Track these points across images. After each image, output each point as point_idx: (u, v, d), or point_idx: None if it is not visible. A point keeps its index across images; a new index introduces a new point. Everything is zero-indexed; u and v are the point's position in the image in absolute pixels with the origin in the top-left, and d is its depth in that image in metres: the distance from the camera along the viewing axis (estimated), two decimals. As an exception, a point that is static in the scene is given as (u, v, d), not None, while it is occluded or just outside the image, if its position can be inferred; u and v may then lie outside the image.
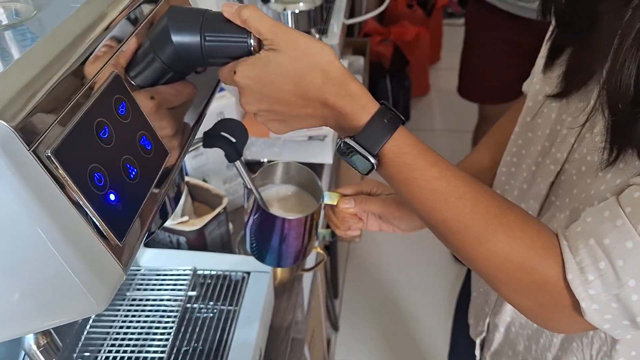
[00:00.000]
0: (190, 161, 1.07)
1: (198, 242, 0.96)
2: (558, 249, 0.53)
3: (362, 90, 0.54)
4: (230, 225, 1.08)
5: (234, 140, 0.71)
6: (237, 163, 0.73)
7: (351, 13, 2.41)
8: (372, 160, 0.54)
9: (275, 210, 0.79)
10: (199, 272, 0.91)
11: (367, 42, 2.40)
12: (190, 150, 0.68)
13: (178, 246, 0.97)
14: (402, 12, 2.95)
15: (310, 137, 1.20)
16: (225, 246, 1.02)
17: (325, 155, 1.22)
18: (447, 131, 2.83)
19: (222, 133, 0.71)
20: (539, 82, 0.70)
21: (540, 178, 0.69)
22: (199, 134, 0.70)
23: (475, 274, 0.97)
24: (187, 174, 1.09)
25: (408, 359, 1.95)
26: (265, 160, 1.24)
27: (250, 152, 1.22)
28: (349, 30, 2.46)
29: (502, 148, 0.81)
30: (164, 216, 0.58)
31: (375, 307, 2.10)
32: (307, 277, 1.14)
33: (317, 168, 1.28)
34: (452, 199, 0.54)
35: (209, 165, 1.10)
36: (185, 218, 0.96)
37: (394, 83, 2.60)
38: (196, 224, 0.95)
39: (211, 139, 0.71)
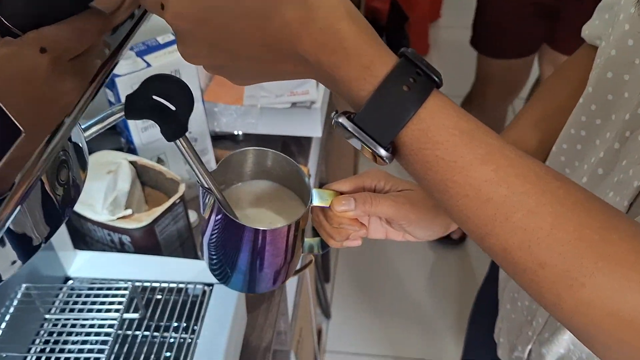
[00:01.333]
0: (138, 135, 0.83)
1: (146, 242, 0.74)
2: None
3: (364, 38, 0.33)
4: (192, 218, 0.85)
5: (172, 107, 0.48)
6: (181, 144, 0.50)
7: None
8: (383, 152, 0.34)
9: (245, 216, 0.57)
10: (146, 284, 0.69)
11: (362, -4, 2.15)
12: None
13: (121, 247, 0.75)
14: (400, -36, 2.69)
15: (294, 104, 0.97)
16: (185, 246, 0.80)
17: (312, 126, 0.99)
18: (449, 96, 2.59)
19: (155, 97, 0.48)
20: (630, 20, 0.46)
21: (628, 161, 0.46)
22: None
23: (505, 282, 0.75)
24: (135, 151, 0.85)
25: (404, 346, 1.77)
26: (240, 132, 1.00)
27: (219, 123, 0.98)
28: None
29: (553, 121, 0.59)
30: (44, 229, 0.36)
31: (369, 291, 1.91)
32: (291, 281, 0.92)
33: (302, 143, 1.05)
34: (517, 215, 0.32)
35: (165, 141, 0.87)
36: (128, 211, 0.73)
37: (391, 42, 2.35)
38: (143, 220, 0.72)
39: (137, 108, 0.48)
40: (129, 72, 0.78)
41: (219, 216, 0.54)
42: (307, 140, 1.05)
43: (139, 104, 0.48)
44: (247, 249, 0.55)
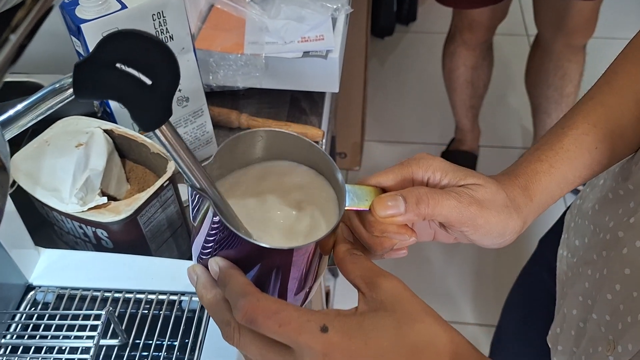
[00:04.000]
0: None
1: (128, 235, 0.58)
2: None
3: None
4: (185, 195, 0.70)
5: (148, 81, 0.32)
6: (163, 135, 0.34)
7: None
8: None
9: (252, 219, 0.41)
10: (128, 295, 0.54)
11: None
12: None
13: (98, 243, 0.59)
14: None
15: (306, 53, 0.79)
16: (177, 236, 0.64)
17: (329, 80, 0.82)
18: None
19: (120, 66, 0.32)
20: None
21: None
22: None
23: (573, 280, 0.61)
24: (111, 116, 0.68)
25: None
26: (241, 87, 0.83)
27: (215, 77, 0.80)
28: None
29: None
30: None
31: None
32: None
33: (315, 99, 0.88)
34: None
35: (149, 102, 0.70)
36: (102, 200, 0.57)
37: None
38: (121, 211, 0.56)
39: (92, 83, 0.32)
40: (98, 16, 0.60)
41: (216, 228, 0.38)
42: (320, 95, 0.88)
43: (95, 77, 0.31)
44: (255, 272, 0.40)
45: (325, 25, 0.81)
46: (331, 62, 0.79)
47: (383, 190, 0.42)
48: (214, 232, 0.39)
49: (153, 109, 0.33)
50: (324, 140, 0.83)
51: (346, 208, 0.41)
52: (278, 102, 0.88)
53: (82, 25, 0.60)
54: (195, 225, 0.42)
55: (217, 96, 0.86)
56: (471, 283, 1.71)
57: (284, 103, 0.88)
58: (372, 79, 2.04)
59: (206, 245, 0.41)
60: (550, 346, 0.64)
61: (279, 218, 0.43)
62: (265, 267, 0.39)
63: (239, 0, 0.85)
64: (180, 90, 0.72)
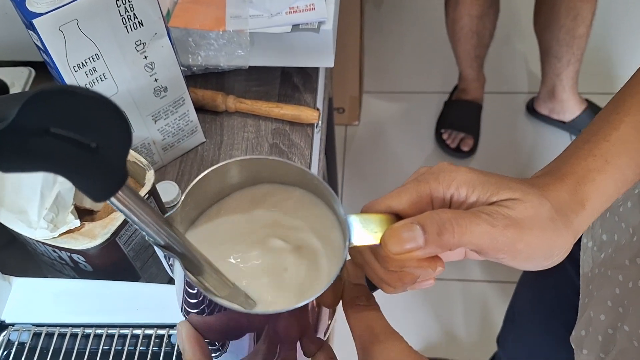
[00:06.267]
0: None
1: (108, 259, 0.52)
2: None
3: None
4: (167, 197, 0.63)
5: (92, 143, 0.25)
6: (119, 200, 0.27)
7: None
8: None
9: (239, 270, 0.36)
10: (111, 330, 0.48)
11: None
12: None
13: (75, 266, 0.54)
14: None
15: (295, 26, 0.71)
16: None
17: (323, 55, 0.73)
18: None
19: (54, 130, 0.25)
20: None
21: None
22: None
23: (600, 282, 0.55)
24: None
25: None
26: (225, 68, 0.75)
27: (195, 58, 0.72)
28: None
29: None
30: None
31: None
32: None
33: (308, 72, 0.80)
34: None
35: (122, 95, 0.62)
36: (75, 223, 0.51)
37: None
38: (97, 235, 0.50)
39: (20, 152, 0.25)
40: (53, 9, 0.52)
41: (192, 289, 0.33)
42: (314, 71, 0.80)
43: (22, 147, 0.24)
44: (248, 338, 0.34)
45: (316, -9, 0.72)
46: (324, 35, 0.71)
47: (396, 216, 0.35)
48: (190, 291, 0.33)
49: (103, 176, 0.26)
50: (319, 123, 0.76)
51: (351, 245, 0.34)
52: (268, 78, 0.80)
53: (34, 21, 0.52)
54: (173, 276, 0.36)
55: (200, 76, 0.78)
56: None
57: (274, 79, 0.80)
58: (367, 23, 1.93)
59: (187, 303, 0.35)
60: (574, 347, 0.59)
61: (271, 265, 0.36)
62: (250, 332, 0.34)
63: (217, -33, 0.75)
64: (156, 80, 0.64)
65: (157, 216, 0.30)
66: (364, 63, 1.79)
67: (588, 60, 1.66)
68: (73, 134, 0.24)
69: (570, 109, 1.69)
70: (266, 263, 0.36)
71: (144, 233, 0.30)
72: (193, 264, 0.32)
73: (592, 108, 1.71)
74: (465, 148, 1.70)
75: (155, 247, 0.32)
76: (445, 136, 1.73)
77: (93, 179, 0.26)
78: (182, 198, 0.34)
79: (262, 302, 0.35)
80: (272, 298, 0.35)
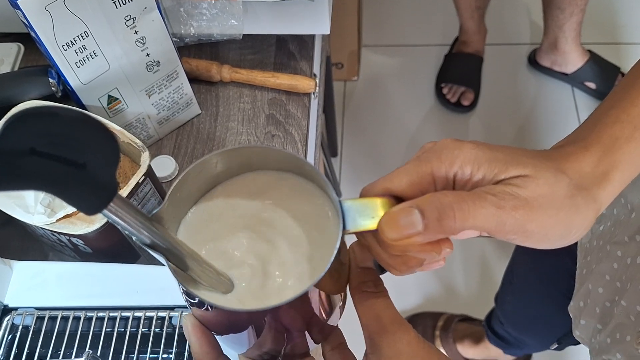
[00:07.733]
0: (72, 72, 0.57)
1: (106, 242, 0.53)
2: None
3: None
4: (163, 172, 0.63)
5: (79, 159, 0.25)
6: (111, 212, 0.27)
7: None
8: None
9: (234, 263, 0.36)
10: (113, 313, 0.49)
11: None
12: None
13: (75, 248, 0.54)
14: None
15: (289, -7, 0.69)
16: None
17: (318, 21, 0.72)
18: None
19: (41, 150, 0.24)
20: None
21: None
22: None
23: (597, 255, 0.55)
24: (74, 94, 0.60)
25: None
26: (218, 38, 0.73)
27: (187, 29, 0.70)
28: None
29: None
30: None
31: (378, 164, 1.72)
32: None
33: (304, 39, 0.78)
34: None
35: (114, 72, 0.61)
36: (71, 209, 0.51)
37: None
38: (95, 220, 0.50)
39: (7, 174, 0.24)
40: (36, -12, 0.51)
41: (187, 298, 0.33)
42: (310, 38, 0.78)
43: (8, 169, 0.24)
44: (252, 329, 0.35)
45: (310, -45, 0.70)
46: (320, 3, 0.69)
47: (396, 198, 0.33)
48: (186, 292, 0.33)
49: (92, 191, 0.26)
50: (316, 90, 0.74)
51: (346, 232, 0.34)
52: (262, 46, 0.78)
53: (19, 2, 0.51)
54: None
55: (193, 45, 0.76)
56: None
57: (270, 47, 0.78)
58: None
59: (187, 302, 0.35)
60: (572, 317, 0.60)
61: (266, 256, 0.36)
62: (257, 325, 0.34)
63: None
64: (148, 55, 0.63)
65: (144, 218, 0.29)
66: (362, 16, 1.75)
67: (591, 9, 1.62)
68: (59, 152, 0.24)
69: (572, 60, 1.67)
70: (261, 253, 0.36)
71: (129, 234, 0.30)
72: (179, 259, 0.32)
73: (594, 59, 1.68)
74: (466, 102, 1.68)
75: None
76: (445, 90, 1.71)
77: (82, 195, 0.26)
78: (168, 196, 0.33)
79: (257, 295, 0.35)
80: (267, 289, 0.35)
